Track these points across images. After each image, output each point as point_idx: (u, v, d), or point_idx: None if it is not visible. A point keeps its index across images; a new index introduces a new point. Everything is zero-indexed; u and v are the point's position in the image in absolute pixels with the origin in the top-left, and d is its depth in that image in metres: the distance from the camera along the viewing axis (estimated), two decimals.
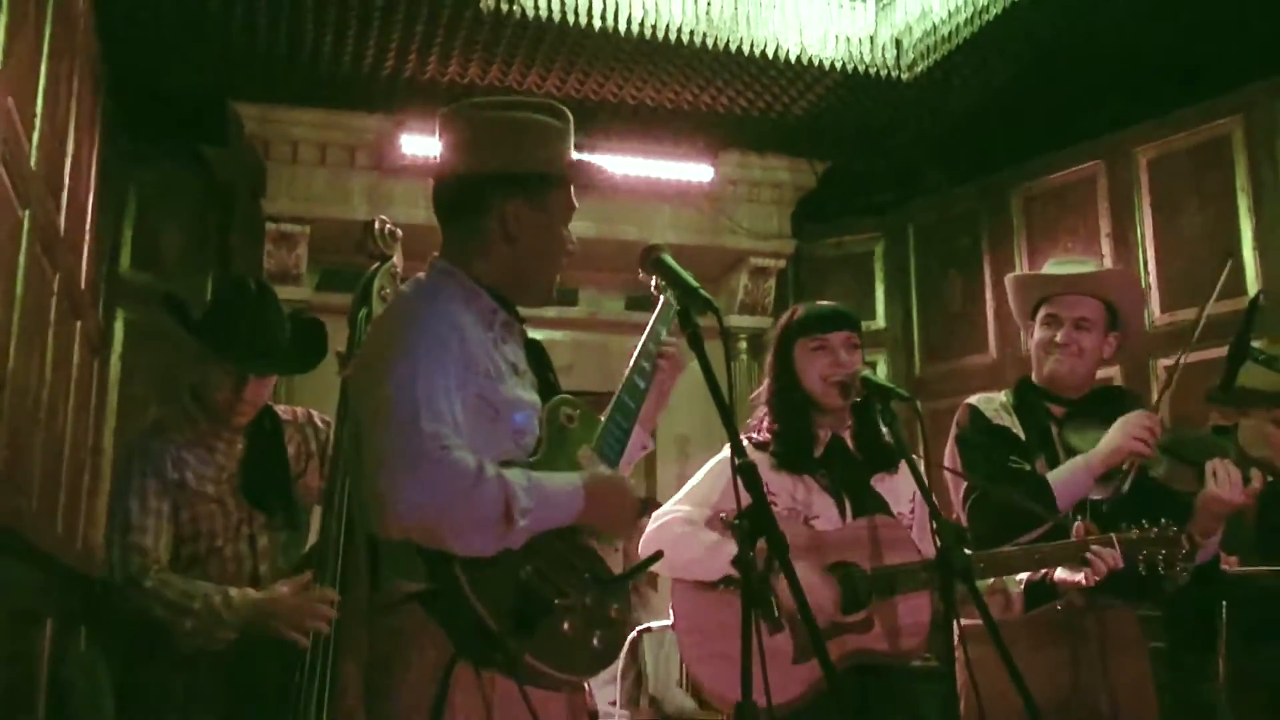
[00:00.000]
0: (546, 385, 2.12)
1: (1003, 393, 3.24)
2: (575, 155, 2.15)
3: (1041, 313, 3.18)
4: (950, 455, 3.07)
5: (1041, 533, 2.91)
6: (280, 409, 3.02)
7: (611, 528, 2.05)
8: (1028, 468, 3.01)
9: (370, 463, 1.85)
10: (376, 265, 2.88)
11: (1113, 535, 2.83)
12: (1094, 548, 2.81)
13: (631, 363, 2.20)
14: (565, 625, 1.91)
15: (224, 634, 2.62)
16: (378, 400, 1.87)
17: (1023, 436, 3.09)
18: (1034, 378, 3.22)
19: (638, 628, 4.09)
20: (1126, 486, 2.96)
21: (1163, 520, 2.85)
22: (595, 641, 1.96)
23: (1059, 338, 3.12)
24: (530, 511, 1.85)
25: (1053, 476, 2.97)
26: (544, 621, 1.88)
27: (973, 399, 3.21)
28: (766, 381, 2.93)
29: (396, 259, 2.91)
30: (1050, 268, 3.32)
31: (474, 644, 1.85)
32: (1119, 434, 2.96)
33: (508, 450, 1.96)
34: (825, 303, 3.00)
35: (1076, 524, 2.87)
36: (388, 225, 2.93)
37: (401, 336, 1.94)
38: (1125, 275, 3.53)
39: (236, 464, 2.86)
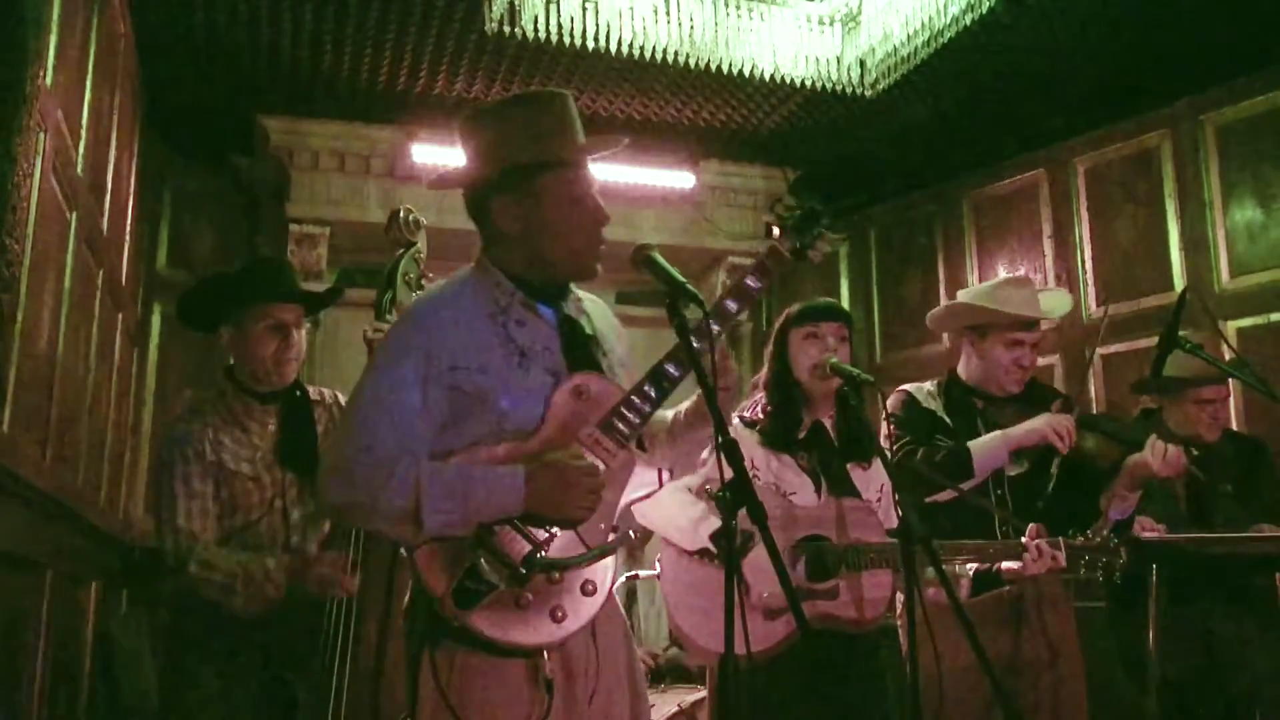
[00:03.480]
0: (579, 361, 2.04)
1: (929, 383, 3.27)
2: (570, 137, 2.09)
3: (1001, 338, 3.17)
4: (886, 434, 3.12)
5: (956, 494, 2.98)
6: (310, 389, 3.00)
7: (557, 515, 1.89)
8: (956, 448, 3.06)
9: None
10: (401, 251, 2.86)
11: (1060, 540, 2.86)
12: (1042, 544, 2.83)
13: (670, 354, 2.03)
14: (527, 595, 1.86)
15: (272, 595, 2.59)
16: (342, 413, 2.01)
17: (950, 423, 3.14)
18: (962, 374, 3.25)
19: (626, 575, 4.09)
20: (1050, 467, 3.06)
21: (1105, 533, 2.90)
22: (560, 611, 1.88)
23: (1025, 362, 3.15)
24: (448, 512, 1.84)
25: (974, 445, 3.04)
26: (488, 600, 1.84)
27: (906, 387, 3.25)
28: (765, 368, 2.95)
29: (421, 245, 2.89)
30: (996, 294, 3.24)
31: (423, 616, 1.88)
32: (1042, 423, 3.02)
33: (491, 432, 1.94)
34: (822, 298, 3.01)
35: (1030, 526, 2.89)
36: (412, 214, 2.90)
37: (375, 353, 2.04)
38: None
39: (270, 442, 2.82)
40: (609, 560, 1.96)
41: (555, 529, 1.91)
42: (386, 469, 1.85)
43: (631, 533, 2.15)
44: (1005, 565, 2.94)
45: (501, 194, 2.03)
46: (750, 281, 2.16)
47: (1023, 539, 2.87)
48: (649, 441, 2.17)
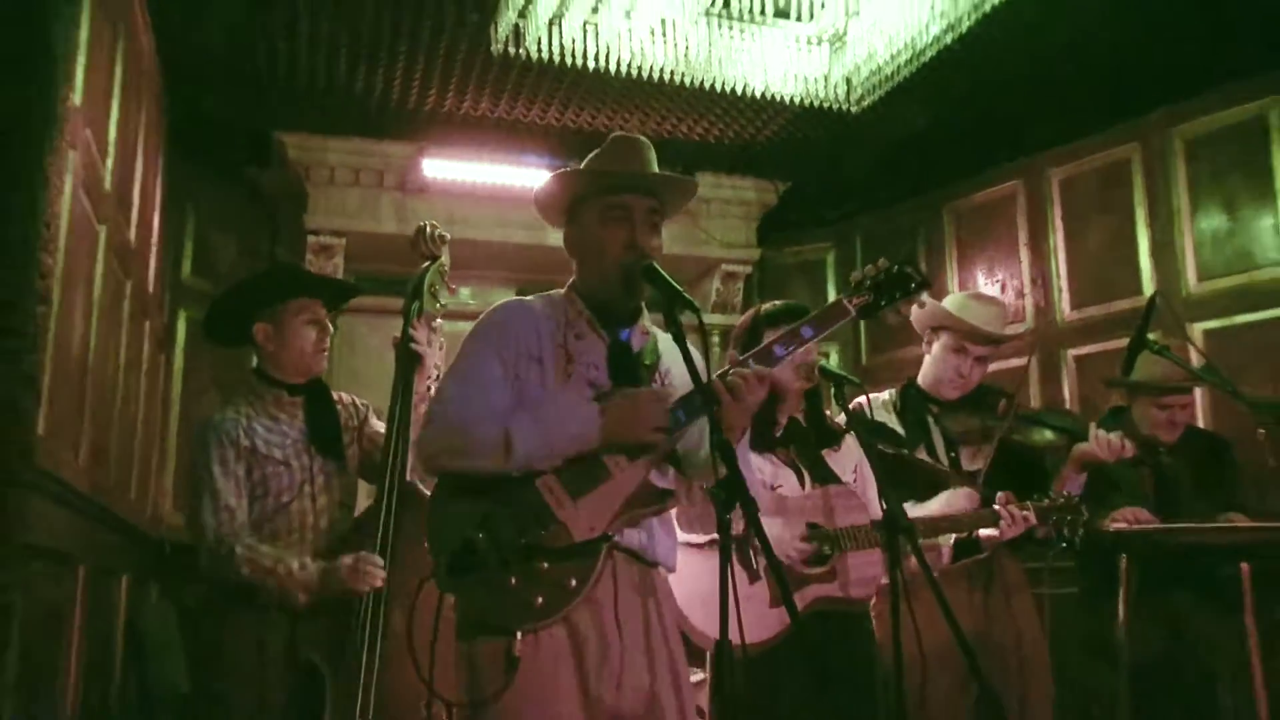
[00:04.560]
0: (623, 381, 2.09)
1: (887, 392, 3.34)
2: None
3: (949, 341, 3.26)
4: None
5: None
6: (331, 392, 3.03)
7: (632, 438, 1.98)
8: (904, 451, 3.15)
9: None
10: (427, 265, 2.90)
11: (1029, 503, 2.95)
12: (1013, 509, 2.92)
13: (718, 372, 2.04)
14: (511, 580, 1.94)
15: (301, 598, 2.62)
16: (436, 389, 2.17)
17: (901, 431, 3.19)
18: (920, 381, 3.32)
19: None
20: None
21: (1066, 493, 3.00)
22: (539, 598, 1.94)
23: (964, 371, 3.23)
24: (533, 440, 1.96)
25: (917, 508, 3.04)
26: (481, 574, 1.93)
27: (861, 399, 3.29)
28: None
29: (445, 259, 2.93)
30: (964, 303, 3.33)
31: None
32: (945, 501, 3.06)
33: None
34: (794, 302, 3.01)
35: (999, 494, 2.96)
36: (437, 230, 2.94)
37: (464, 341, 2.16)
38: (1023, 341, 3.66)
39: (298, 431, 2.85)
40: (599, 559, 1.97)
41: (558, 522, 1.96)
42: (473, 416, 2.01)
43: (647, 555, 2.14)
44: (984, 533, 3.01)
45: (566, 222, 2.23)
46: (805, 330, 2.14)
47: (995, 507, 2.94)
48: (686, 491, 2.18)
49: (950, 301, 3.35)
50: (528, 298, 2.22)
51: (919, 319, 3.40)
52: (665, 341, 2.23)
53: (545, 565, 1.95)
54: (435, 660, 1.96)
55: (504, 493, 1.99)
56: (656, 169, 2.21)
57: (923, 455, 3.17)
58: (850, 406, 3.09)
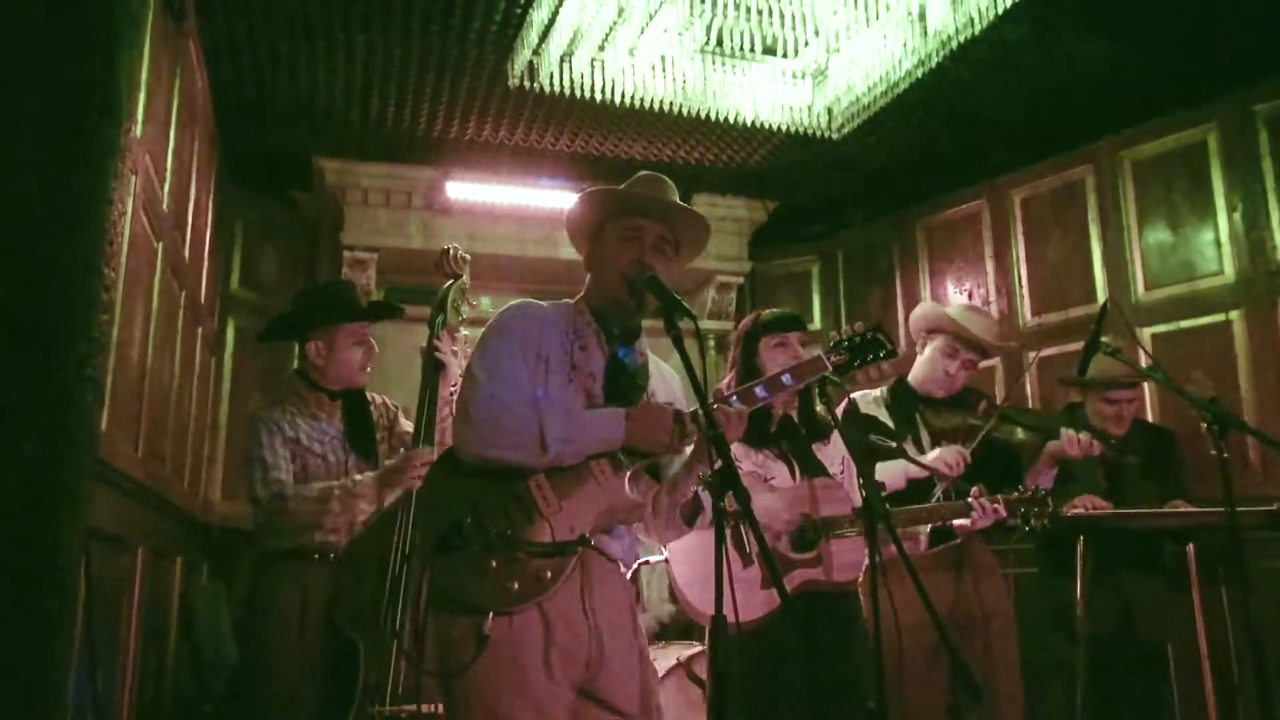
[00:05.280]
0: (614, 396, 2.06)
1: (876, 390, 3.33)
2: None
3: (943, 344, 3.24)
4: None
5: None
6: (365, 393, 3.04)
7: (653, 444, 1.97)
8: (892, 444, 3.13)
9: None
10: (450, 282, 2.91)
11: (999, 496, 2.91)
12: (984, 501, 2.89)
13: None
14: (492, 563, 1.89)
15: (364, 507, 2.63)
16: (464, 380, 2.06)
17: (890, 423, 3.18)
18: (910, 379, 3.30)
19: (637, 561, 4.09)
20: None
21: (1035, 486, 2.98)
22: (515, 585, 1.89)
23: (952, 370, 3.21)
24: (568, 440, 1.93)
25: (880, 467, 3.08)
26: (463, 555, 1.89)
27: (854, 394, 3.28)
28: (732, 372, 2.92)
29: (466, 277, 2.94)
30: (963, 312, 3.33)
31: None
32: (937, 456, 3.06)
33: None
34: (786, 311, 2.98)
35: (973, 488, 2.94)
36: (459, 251, 2.95)
37: (484, 337, 2.09)
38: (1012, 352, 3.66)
39: (337, 429, 2.88)
40: (574, 557, 1.94)
41: (543, 518, 1.93)
42: (509, 410, 1.95)
43: (622, 564, 2.11)
44: (957, 522, 2.98)
45: (590, 244, 2.19)
46: (786, 379, 2.15)
47: (968, 499, 2.91)
48: (655, 506, 2.15)
49: (951, 309, 3.35)
50: (542, 302, 2.16)
51: (916, 321, 3.38)
52: (654, 365, 2.21)
53: (524, 556, 1.90)
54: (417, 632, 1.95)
55: (497, 483, 1.95)
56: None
57: (909, 447, 3.14)
58: (838, 405, 3.08)
